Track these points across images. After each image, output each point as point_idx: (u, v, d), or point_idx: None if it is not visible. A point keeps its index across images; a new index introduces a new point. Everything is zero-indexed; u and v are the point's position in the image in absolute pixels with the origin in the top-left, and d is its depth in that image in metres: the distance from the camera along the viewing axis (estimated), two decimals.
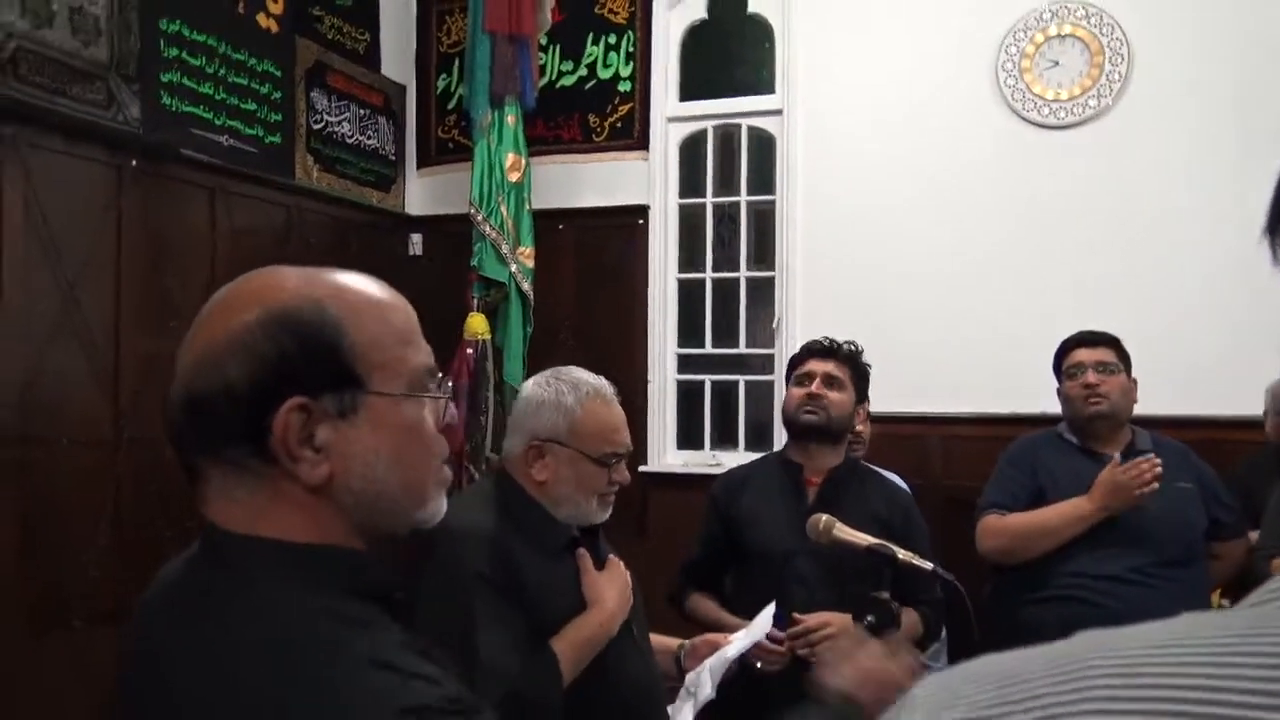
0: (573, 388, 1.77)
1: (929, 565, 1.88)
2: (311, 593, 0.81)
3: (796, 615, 2.12)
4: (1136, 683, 0.37)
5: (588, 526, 1.79)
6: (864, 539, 1.93)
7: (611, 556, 1.82)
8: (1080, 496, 2.50)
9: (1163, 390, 2.92)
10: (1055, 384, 2.72)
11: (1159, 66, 3.46)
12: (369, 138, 4.04)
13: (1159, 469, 2.42)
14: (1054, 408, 2.77)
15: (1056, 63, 3.56)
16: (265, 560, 0.83)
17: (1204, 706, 0.35)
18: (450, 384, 0.81)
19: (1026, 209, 3.55)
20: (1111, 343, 2.68)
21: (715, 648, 1.95)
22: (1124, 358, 2.67)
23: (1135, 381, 2.69)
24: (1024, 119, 3.58)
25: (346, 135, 3.90)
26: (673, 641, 2.00)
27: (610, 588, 1.75)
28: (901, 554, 1.86)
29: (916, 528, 2.35)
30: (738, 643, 1.95)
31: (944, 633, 2.81)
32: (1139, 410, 2.71)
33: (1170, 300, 3.35)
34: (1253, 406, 3.09)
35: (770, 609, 2.02)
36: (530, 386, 1.81)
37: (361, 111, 3.99)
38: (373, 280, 0.90)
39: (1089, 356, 2.65)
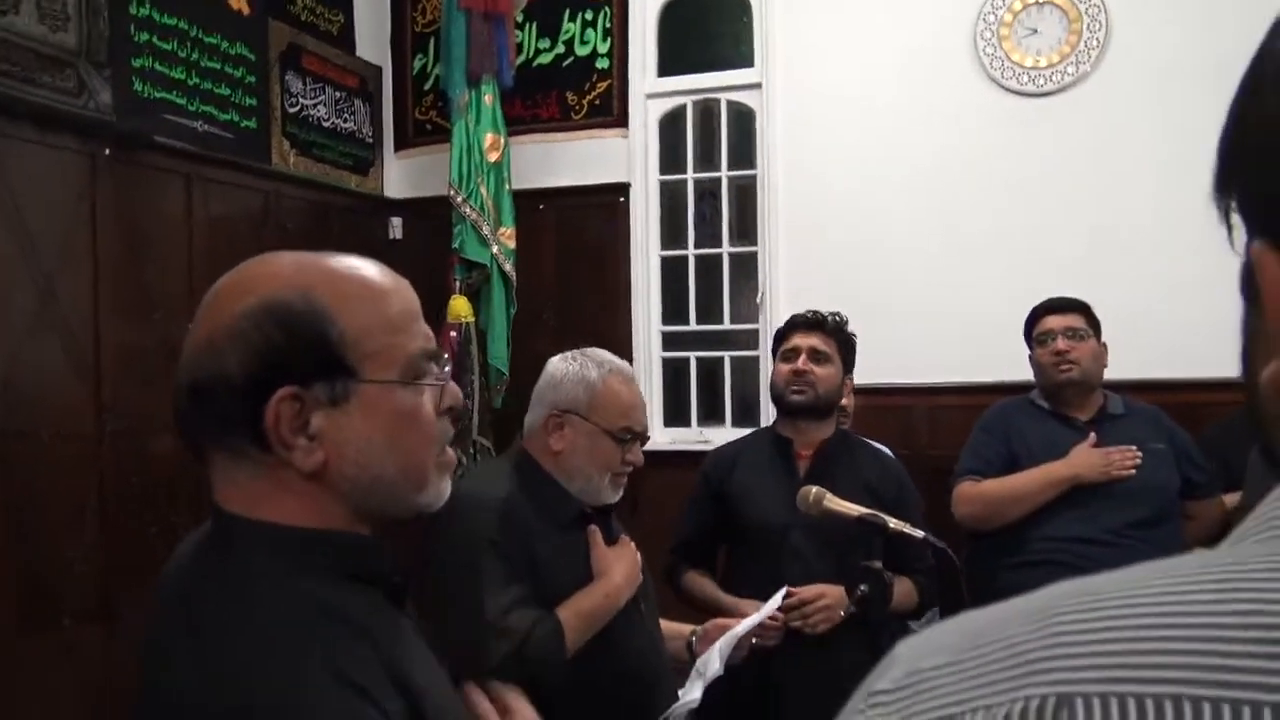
0: (596, 364, 1.83)
1: (920, 533, 1.89)
2: (304, 577, 0.83)
3: (791, 589, 2.14)
4: (1103, 613, 0.38)
5: (600, 507, 1.82)
6: (855, 509, 1.93)
7: (624, 536, 1.85)
8: (1054, 461, 2.55)
9: (1137, 354, 2.95)
10: (1028, 351, 2.75)
11: (1137, 31, 3.45)
12: (345, 121, 3.99)
13: (1138, 461, 2.50)
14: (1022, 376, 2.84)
15: (1035, 30, 3.55)
16: (263, 543, 0.85)
17: (1176, 632, 0.36)
18: (450, 366, 0.98)
19: (1008, 178, 3.55)
20: (1081, 308, 2.70)
21: (726, 631, 1.96)
22: (1093, 323, 2.70)
23: (1105, 346, 2.71)
24: (1004, 87, 3.57)
25: (322, 118, 3.85)
26: (684, 628, 2.03)
27: (618, 562, 1.78)
28: (893, 523, 1.87)
29: (909, 496, 2.36)
30: (746, 622, 1.98)
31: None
32: (1113, 374, 2.74)
33: (1147, 264, 3.36)
34: (1227, 369, 3.07)
35: (781, 593, 2.06)
36: (555, 362, 1.87)
37: (337, 94, 3.94)
38: (372, 264, 0.91)
39: (1058, 323, 2.67)
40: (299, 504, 0.86)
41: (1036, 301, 2.84)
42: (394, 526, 0.93)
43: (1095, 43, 3.49)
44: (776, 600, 2.04)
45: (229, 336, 0.84)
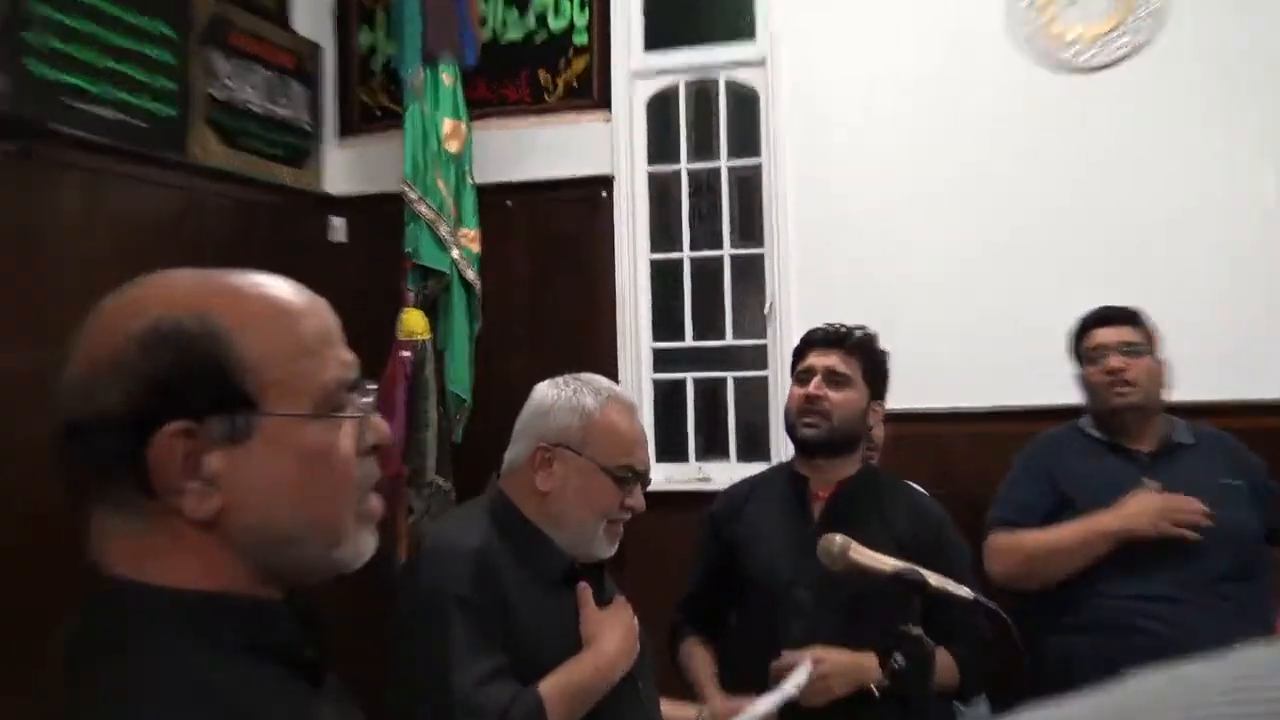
0: (593, 391, 1.85)
1: (968, 593, 1.85)
2: (193, 652, 0.82)
3: (786, 653, 2.12)
4: None
5: (591, 562, 1.83)
6: (889, 563, 1.90)
7: (619, 598, 1.86)
8: (1103, 512, 2.52)
9: (1206, 372, 2.92)
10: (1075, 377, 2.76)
11: None
12: (280, 105, 3.97)
13: (1205, 522, 2.44)
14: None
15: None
16: (149, 611, 0.84)
17: None
18: (374, 397, 0.97)
19: (1052, 167, 3.53)
20: (1135, 319, 2.69)
21: (736, 713, 1.99)
22: (1150, 336, 2.69)
23: (1164, 362, 2.69)
24: (1044, 65, 3.57)
25: (253, 103, 3.83)
26: (689, 711, 2.05)
27: (613, 629, 1.77)
28: (934, 580, 1.83)
29: (953, 550, 2.31)
30: (763, 706, 1.98)
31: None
32: (1179, 396, 2.72)
33: (1217, 266, 3.35)
34: None
35: (805, 668, 2.04)
36: (544, 388, 1.89)
37: (270, 75, 3.92)
38: (283, 282, 0.93)
39: (1111, 337, 2.66)
40: (191, 561, 0.86)
41: (1089, 308, 2.80)
42: (322, 588, 0.92)
43: (1146, 11, 3.48)
44: (802, 676, 2.03)
45: (112, 365, 0.84)
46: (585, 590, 1.79)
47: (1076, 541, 2.53)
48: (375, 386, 0.99)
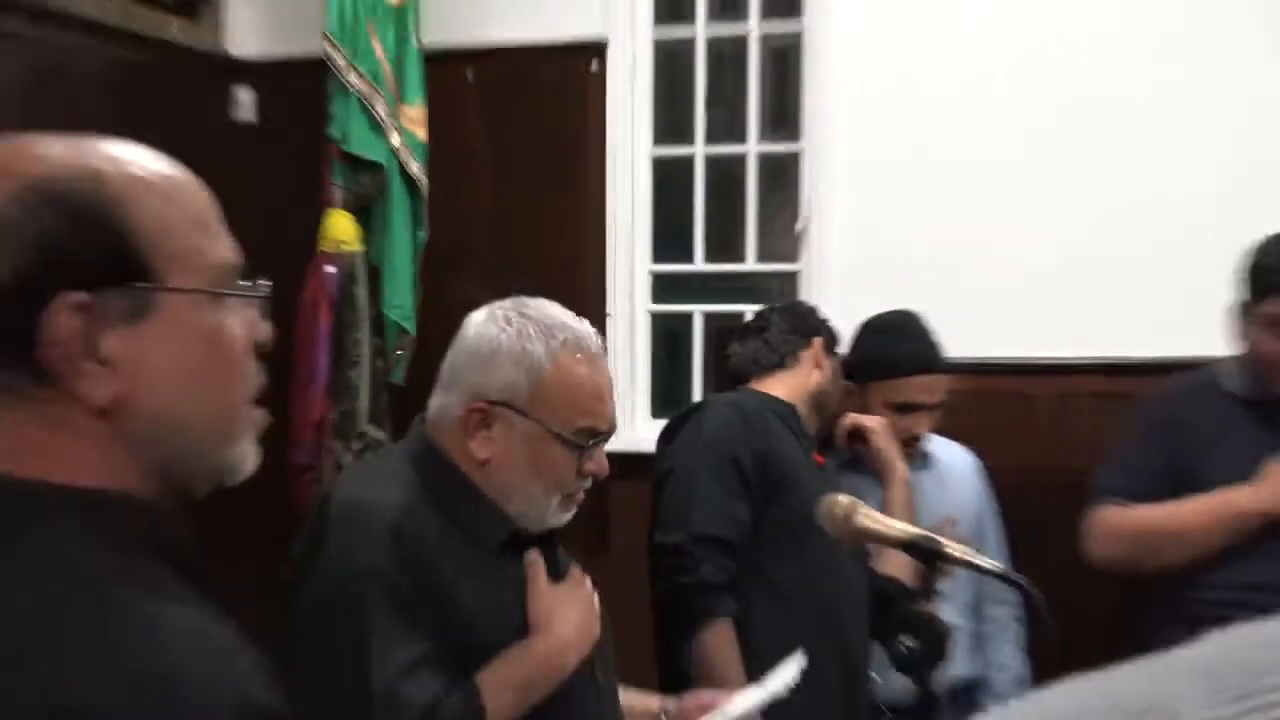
0: (544, 332, 1.79)
1: (995, 566, 1.94)
2: (96, 549, 0.89)
3: None
4: None
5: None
6: (900, 528, 1.97)
7: (575, 569, 1.88)
8: (1241, 487, 2.54)
9: None
10: (1209, 314, 2.70)
11: None
12: None
13: None
14: (1209, 349, 2.77)
15: None
16: (42, 512, 0.90)
17: None
18: (265, 286, 1.02)
19: (1164, 80, 3.47)
20: None
21: (708, 711, 2.00)
22: None
23: None
24: None
25: None
26: (652, 701, 2.07)
27: (568, 609, 1.79)
28: (955, 549, 1.86)
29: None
30: (745, 702, 2.01)
31: (1028, 671, 3.01)
32: None
33: None
34: None
35: (798, 661, 2.09)
36: (480, 322, 1.83)
37: None
38: (154, 153, 1.00)
39: None
40: (86, 455, 0.92)
41: (1198, 248, 2.97)
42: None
43: None
44: (790, 673, 2.07)
45: None
46: (535, 563, 1.77)
47: (1206, 521, 2.57)
48: (269, 283, 1.05)
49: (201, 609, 0.93)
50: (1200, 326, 2.98)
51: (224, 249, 1.00)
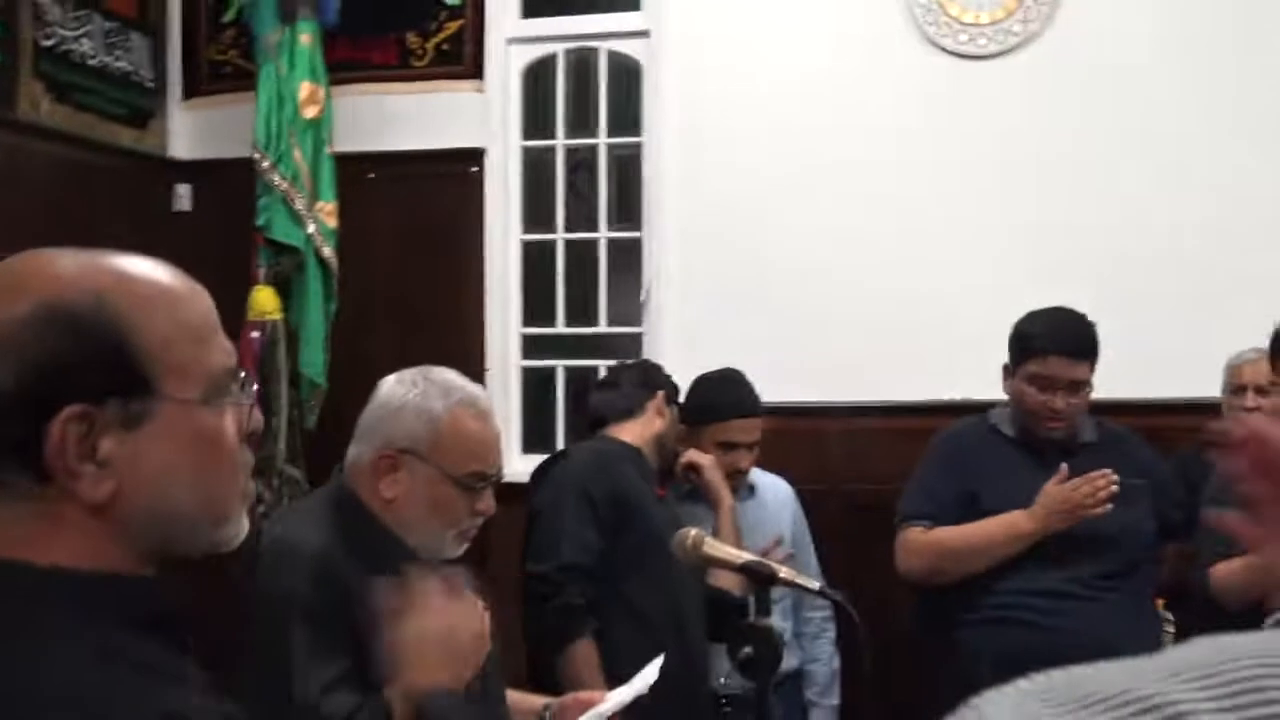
0: (442, 392, 1.92)
1: (814, 584, 2.12)
2: (94, 629, 0.89)
3: None
4: None
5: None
6: (739, 555, 2.13)
7: (467, 594, 1.88)
8: (1018, 511, 2.75)
9: (1111, 370, 3.06)
10: (986, 363, 2.94)
11: None
12: (118, 59, 4.00)
13: (1115, 488, 2.67)
14: (980, 393, 3.08)
15: None
16: (37, 592, 0.90)
17: None
18: (255, 386, 1.24)
19: (948, 157, 3.78)
20: (1093, 352, 2.83)
21: (588, 709, 2.06)
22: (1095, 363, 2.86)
23: None
24: (941, 48, 3.83)
25: (88, 55, 3.85)
26: (536, 701, 2.15)
27: (457, 627, 1.79)
28: (784, 572, 2.03)
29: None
30: (612, 700, 2.09)
31: (837, 662, 3.27)
32: None
33: (1116, 266, 3.62)
34: (1213, 388, 3.39)
35: (657, 663, 2.19)
36: (390, 384, 1.96)
37: (108, 24, 3.94)
38: (163, 266, 1.01)
39: (1065, 373, 2.78)
40: (79, 542, 0.92)
41: (982, 307, 3.13)
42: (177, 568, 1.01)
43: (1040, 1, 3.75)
44: (650, 674, 2.17)
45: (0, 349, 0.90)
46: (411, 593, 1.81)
47: (992, 542, 2.77)
48: (252, 375, 1.09)
49: (175, 686, 0.92)
50: (960, 377, 3.41)
51: (220, 355, 1.01)
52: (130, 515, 0.94)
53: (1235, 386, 3.31)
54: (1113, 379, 3.01)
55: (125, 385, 0.93)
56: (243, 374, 1.06)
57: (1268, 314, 2.76)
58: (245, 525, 1.05)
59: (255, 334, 3.71)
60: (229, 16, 4.30)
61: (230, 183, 3.98)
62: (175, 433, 0.96)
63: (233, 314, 3.43)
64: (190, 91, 4.34)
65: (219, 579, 1.86)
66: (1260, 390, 3.15)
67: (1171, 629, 3.09)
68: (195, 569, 1.08)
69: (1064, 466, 2.73)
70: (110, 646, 0.90)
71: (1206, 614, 2.65)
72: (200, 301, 1.02)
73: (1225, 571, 2.61)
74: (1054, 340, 2.80)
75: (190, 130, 4.34)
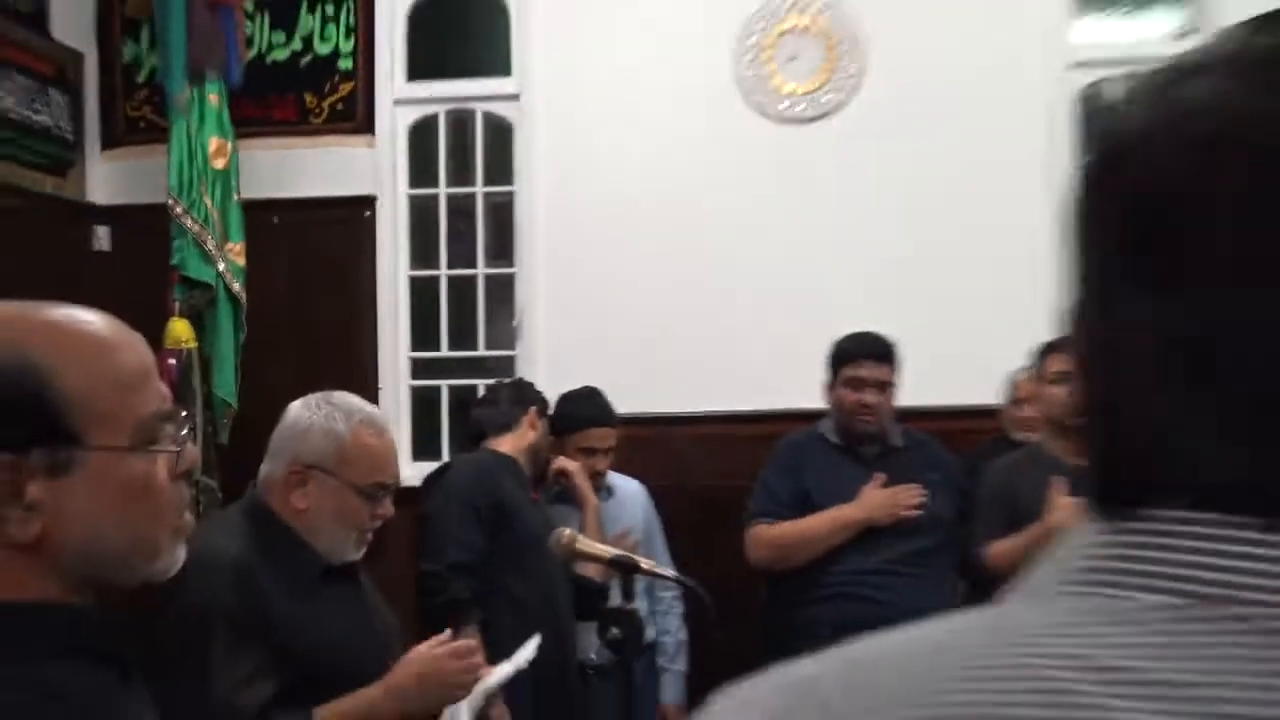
0: (345, 414, 2.03)
1: (670, 573, 2.45)
2: (18, 657, 0.91)
3: None
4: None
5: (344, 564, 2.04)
6: (607, 551, 2.28)
7: (466, 639, 2.09)
8: (847, 505, 3.10)
9: (913, 382, 3.43)
10: (807, 377, 3.24)
11: (892, 57, 4.22)
12: (38, 114, 4.18)
13: (923, 499, 3.06)
14: (801, 402, 3.43)
15: (795, 57, 4.34)
16: None
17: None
18: (190, 427, 1.14)
19: (774, 205, 4.19)
20: (893, 357, 3.20)
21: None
22: (897, 370, 3.23)
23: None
24: (765, 114, 4.29)
25: (9, 111, 4.03)
26: None
27: (415, 666, 1.94)
28: (645, 564, 2.22)
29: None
30: (498, 674, 2.22)
31: (686, 636, 3.56)
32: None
33: (915, 292, 4.04)
34: (992, 396, 3.83)
35: (535, 642, 2.36)
36: (297, 408, 2.07)
37: (28, 83, 4.13)
38: (99, 315, 1.01)
39: (872, 374, 3.15)
40: (6, 577, 0.93)
41: (801, 328, 3.46)
42: (121, 595, 1.01)
43: (853, 69, 4.32)
44: (528, 652, 2.32)
45: None
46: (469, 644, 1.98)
47: (826, 531, 3.09)
48: (187, 414, 1.09)
49: (115, 700, 0.94)
50: (785, 389, 3.78)
51: (150, 401, 1.00)
52: (59, 551, 0.95)
53: (1015, 398, 3.75)
54: (915, 390, 3.40)
55: (48, 434, 0.94)
56: (181, 416, 1.07)
57: (1033, 336, 3.19)
58: (180, 556, 1.06)
59: (172, 361, 3.86)
60: (142, 77, 4.55)
61: (146, 226, 4.16)
62: (103, 479, 0.96)
63: (151, 343, 3.77)
64: (108, 144, 4.54)
65: (142, 594, 1.95)
66: (1033, 399, 3.53)
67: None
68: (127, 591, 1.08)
69: (882, 476, 3.09)
70: (18, 675, 0.91)
71: (990, 583, 2.83)
72: (131, 351, 1.02)
73: (998, 549, 2.97)
74: (863, 348, 3.18)
75: (108, 178, 4.51)
